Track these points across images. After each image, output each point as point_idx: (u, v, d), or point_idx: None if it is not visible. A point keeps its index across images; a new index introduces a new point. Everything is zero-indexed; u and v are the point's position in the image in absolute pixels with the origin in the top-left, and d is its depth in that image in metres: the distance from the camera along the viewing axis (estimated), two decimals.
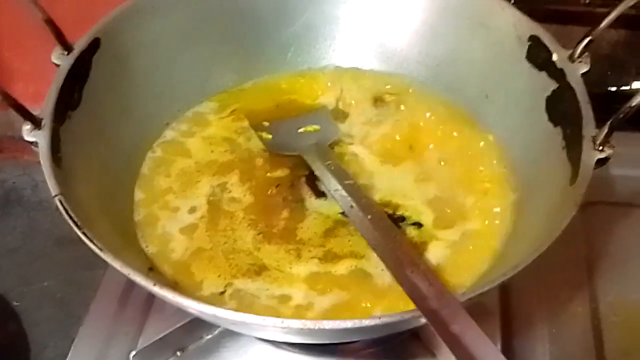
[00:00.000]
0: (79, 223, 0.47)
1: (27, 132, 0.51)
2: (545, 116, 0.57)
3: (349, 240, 0.56)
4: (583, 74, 0.55)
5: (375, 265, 0.54)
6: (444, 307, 0.43)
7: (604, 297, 0.63)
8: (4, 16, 0.83)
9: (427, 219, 0.58)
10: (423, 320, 0.43)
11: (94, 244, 0.46)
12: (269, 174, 0.61)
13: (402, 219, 0.58)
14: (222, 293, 0.53)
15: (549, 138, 0.55)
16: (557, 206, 0.49)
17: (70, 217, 0.47)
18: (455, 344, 0.41)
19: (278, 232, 0.57)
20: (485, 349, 0.40)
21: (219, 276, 0.54)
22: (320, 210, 0.59)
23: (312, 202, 0.59)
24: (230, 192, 0.60)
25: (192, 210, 0.59)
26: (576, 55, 0.55)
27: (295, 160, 0.62)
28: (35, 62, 0.81)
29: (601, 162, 0.50)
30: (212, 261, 0.55)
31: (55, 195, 0.48)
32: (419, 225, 0.57)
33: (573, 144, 0.52)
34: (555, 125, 0.55)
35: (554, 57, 0.56)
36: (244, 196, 0.60)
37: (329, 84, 0.69)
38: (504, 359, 0.40)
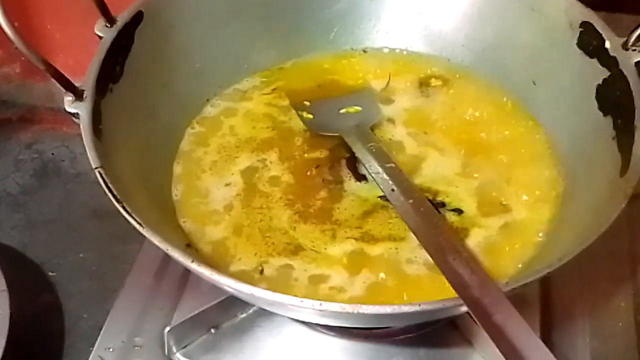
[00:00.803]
0: (118, 196, 0.46)
1: (69, 104, 0.51)
2: (595, 105, 0.55)
3: (390, 223, 0.55)
4: (636, 63, 0.53)
5: (412, 251, 0.54)
6: (486, 296, 0.42)
7: None
8: None
9: (468, 206, 0.57)
10: (464, 308, 0.42)
11: (132, 217, 0.45)
12: (308, 154, 0.61)
13: (442, 204, 0.57)
14: (259, 271, 0.53)
15: (598, 127, 0.54)
16: (606, 198, 0.48)
17: (110, 190, 0.47)
18: (497, 334, 0.40)
19: (314, 212, 0.57)
20: (529, 340, 0.40)
21: (255, 254, 0.54)
22: (359, 193, 0.58)
23: (351, 184, 0.59)
24: (269, 169, 0.60)
25: (231, 186, 0.59)
26: (630, 43, 0.54)
27: (336, 141, 0.61)
28: (76, 34, 0.81)
29: None
30: (250, 239, 0.55)
31: (96, 168, 0.48)
32: (459, 211, 0.56)
33: (624, 134, 0.51)
34: (606, 114, 0.54)
35: (607, 45, 0.55)
36: (282, 175, 0.60)
37: (372, 65, 0.69)
38: (547, 351, 0.39)
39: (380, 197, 0.57)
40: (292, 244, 0.55)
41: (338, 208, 0.57)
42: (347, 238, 0.55)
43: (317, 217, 0.56)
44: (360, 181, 0.59)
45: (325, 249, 0.54)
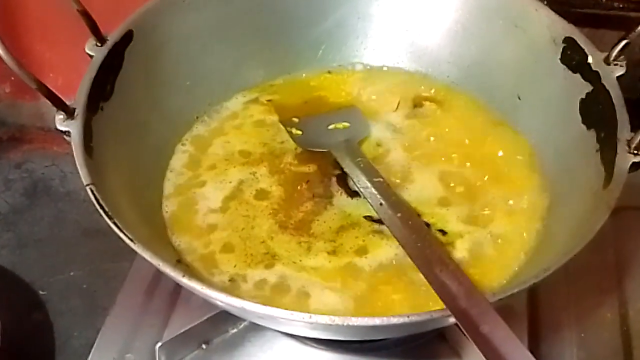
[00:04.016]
0: (109, 213, 0.47)
1: (60, 122, 0.51)
2: (578, 119, 0.56)
3: (357, 238, 0.56)
4: (618, 77, 0.54)
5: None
6: (473, 306, 0.43)
7: (633, 303, 0.62)
8: (35, 8, 0.83)
9: (453, 226, 0.57)
10: (452, 319, 0.43)
11: (124, 234, 0.46)
12: (297, 169, 0.61)
13: (427, 225, 0.56)
14: (233, 281, 0.54)
15: (582, 141, 0.55)
16: (590, 209, 0.49)
17: (101, 207, 0.47)
18: (484, 344, 0.41)
19: (294, 223, 0.57)
20: (515, 350, 0.40)
21: (234, 266, 0.54)
22: (345, 208, 0.58)
23: (341, 199, 0.59)
24: (258, 182, 0.60)
25: (221, 200, 0.59)
26: (612, 58, 0.55)
27: (325, 156, 0.62)
28: (66, 54, 0.81)
29: (636, 166, 0.49)
30: (235, 251, 0.55)
31: (87, 185, 0.48)
32: (443, 232, 0.56)
33: (607, 147, 0.52)
34: (589, 128, 0.55)
35: (590, 59, 0.56)
36: (270, 187, 0.60)
37: (358, 82, 0.69)
38: None
39: (365, 217, 0.57)
40: (269, 254, 0.55)
41: (317, 220, 0.57)
42: (320, 252, 0.55)
43: (296, 229, 0.57)
44: (352, 197, 0.59)
45: (300, 260, 0.55)
